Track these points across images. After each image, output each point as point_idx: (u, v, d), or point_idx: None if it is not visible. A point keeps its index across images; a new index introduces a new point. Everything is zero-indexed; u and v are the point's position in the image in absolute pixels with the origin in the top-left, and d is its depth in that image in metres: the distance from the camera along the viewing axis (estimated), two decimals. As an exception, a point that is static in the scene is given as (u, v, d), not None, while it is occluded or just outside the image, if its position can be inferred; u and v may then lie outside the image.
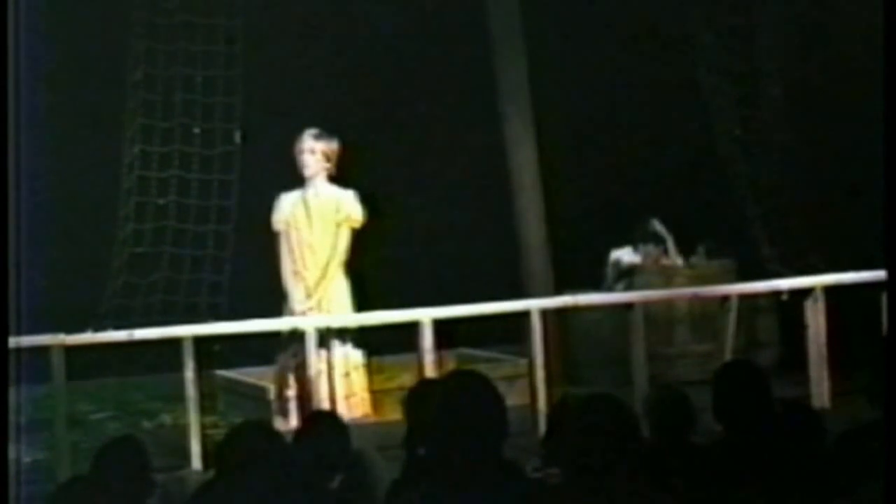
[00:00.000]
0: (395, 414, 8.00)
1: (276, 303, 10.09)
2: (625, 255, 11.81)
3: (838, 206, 11.54)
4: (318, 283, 10.06)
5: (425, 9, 12.55)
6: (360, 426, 9.25)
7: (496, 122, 11.29)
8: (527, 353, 9.65)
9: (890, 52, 7.28)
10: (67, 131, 11.50)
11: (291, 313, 10.00)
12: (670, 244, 11.80)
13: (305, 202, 10.17)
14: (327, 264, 10.10)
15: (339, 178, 10.24)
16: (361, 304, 10.15)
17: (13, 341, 7.39)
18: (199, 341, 9.13)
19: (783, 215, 11.22)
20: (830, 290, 10.15)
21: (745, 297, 10.66)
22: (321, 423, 6.06)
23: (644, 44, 12.60)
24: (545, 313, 9.80)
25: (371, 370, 10.26)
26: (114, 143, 10.40)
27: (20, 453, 8.30)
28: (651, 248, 11.79)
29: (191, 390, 9.05)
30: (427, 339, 9.37)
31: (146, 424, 10.62)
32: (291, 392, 9.98)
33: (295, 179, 10.22)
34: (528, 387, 9.60)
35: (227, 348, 9.95)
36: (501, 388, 4.65)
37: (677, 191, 12.14)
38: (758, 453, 5.29)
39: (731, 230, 11.50)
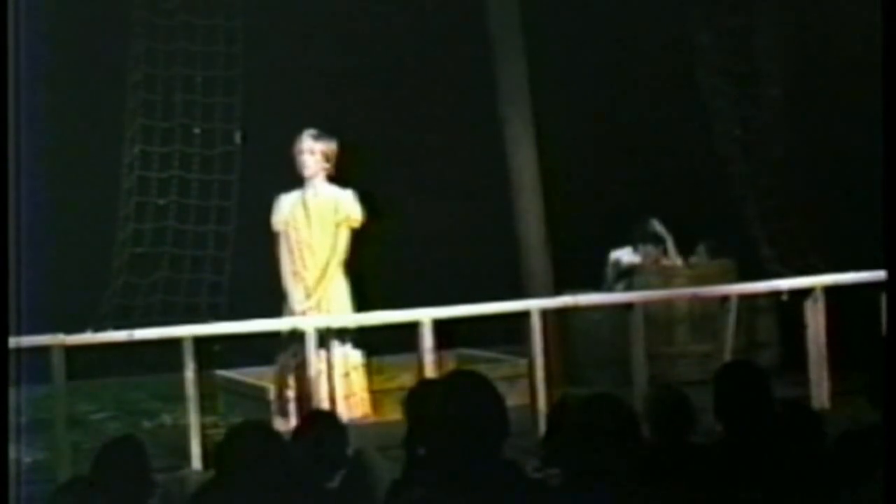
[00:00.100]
0: (394, 414, 7.99)
1: (275, 303, 10.09)
2: (625, 255, 11.81)
3: (838, 206, 11.52)
4: (317, 284, 10.05)
5: (425, 9, 12.56)
6: (360, 426, 9.27)
7: (496, 123, 11.29)
8: (527, 353, 9.65)
9: (890, 52, 7.26)
10: (67, 131, 11.50)
11: (291, 313, 9.99)
12: (670, 244, 11.80)
13: (305, 202, 10.16)
14: (327, 264, 10.09)
15: (338, 178, 10.24)
16: (361, 304, 10.15)
17: (13, 341, 7.36)
18: (199, 341, 9.13)
19: (783, 215, 11.21)
20: (830, 290, 10.14)
21: (745, 297, 10.66)
22: (319, 422, 6.07)
23: (644, 44, 12.60)
24: (545, 313, 9.80)
25: (371, 370, 10.25)
26: (114, 144, 10.41)
27: (20, 453, 8.30)
28: (651, 249, 11.79)
29: (191, 390, 9.05)
30: (427, 339, 9.37)
31: (146, 424, 10.61)
32: (291, 392, 9.98)
33: (294, 180, 10.21)
34: (528, 387, 9.59)
35: (227, 348, 9.95)
36: (501, 388, 4.65)
37: (677, 191, 12.12)
38: (758, 453, 5.29)
39: (731, 230, 11.49)
